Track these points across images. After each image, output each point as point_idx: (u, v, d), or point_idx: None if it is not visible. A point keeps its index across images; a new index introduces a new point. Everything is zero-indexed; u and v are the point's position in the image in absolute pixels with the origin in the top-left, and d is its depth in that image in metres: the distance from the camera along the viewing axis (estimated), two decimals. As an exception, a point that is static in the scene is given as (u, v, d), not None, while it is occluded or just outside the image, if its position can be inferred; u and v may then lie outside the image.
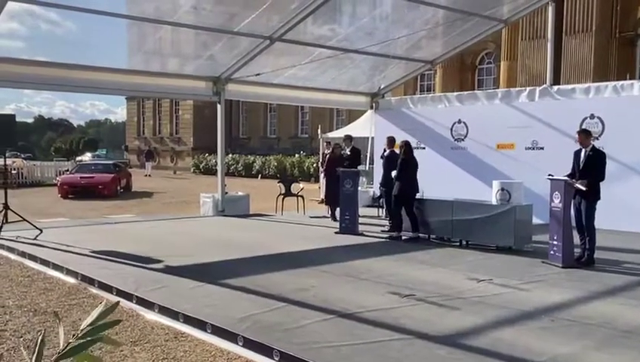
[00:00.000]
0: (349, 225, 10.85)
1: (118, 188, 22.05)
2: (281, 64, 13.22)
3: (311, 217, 13.48)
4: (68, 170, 24.17)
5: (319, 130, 19.65)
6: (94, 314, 1.47)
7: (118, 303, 1.68)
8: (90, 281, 6.94)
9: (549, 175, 8.15)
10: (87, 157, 53.39)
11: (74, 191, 20.41)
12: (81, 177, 21.40)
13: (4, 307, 6.00)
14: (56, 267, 7.75)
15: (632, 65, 21.51)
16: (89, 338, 1.45)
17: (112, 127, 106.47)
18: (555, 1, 13.34)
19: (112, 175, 22.09)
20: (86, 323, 1.46)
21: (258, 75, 12.93)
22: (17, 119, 11.08)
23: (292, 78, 14.12)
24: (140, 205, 18.20)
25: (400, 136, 14.90)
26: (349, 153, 12.69)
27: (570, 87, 12.99)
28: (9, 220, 10.23)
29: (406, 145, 10.32)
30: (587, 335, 4.96)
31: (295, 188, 14.73)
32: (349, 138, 13.19)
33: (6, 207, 10.21)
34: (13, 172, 25.48)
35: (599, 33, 21.62)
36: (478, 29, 13.85)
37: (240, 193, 14.88)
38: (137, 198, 20.61)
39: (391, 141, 11.34)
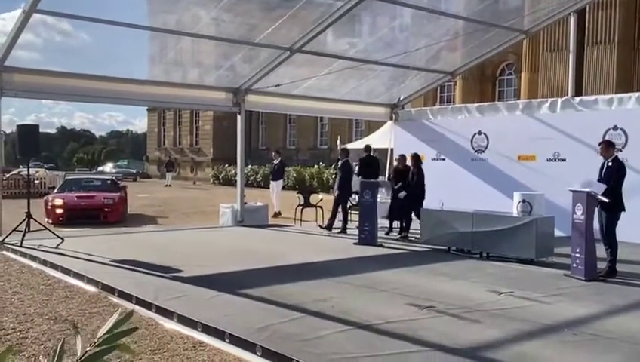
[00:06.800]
0: (367, 237, 10.81)
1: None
2: (301, 75, 13.27)
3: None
4: (53, 187, 19.02)
5: (338, 141, 19.66)
6: (110, 322, 1.49)
7: (132, 312, 1.71)
8: (111, 290, 6.98)
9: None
10: (108, 167, 54.21)
11: (71, 216, 14.71)
12: (78, 196, 15.68)
13: (25, 314, 6.05)
14: (76, 275, 7.81)
15: (656, 76, 21.22)
16: (105, 347, 1.47)
17: (133, 138, 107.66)
18: (577, 12, 13.24)
19: (118, 194, 16.34)
20: (102, 331, 1.48)
21: (278, 85, 13.00)
22: (40, 130, 11.19)
23: (311, 89, 14.16)
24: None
25: (419, 148, 14.96)
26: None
27: (592, 98, 12.82)
28: (31, 229, 10.36)
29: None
30: (611, 350, 4.86)
31: (314, 199, 14.71)
32: (368, 148, 13.14)
33: (29, 215, 10.33)
34: (36, 181, 25.89)
35: (622, 44, 21.38)
36: (499, 40, 13.78)
37: (259, 203, 14.90)
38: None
39: (345, 152, 13.25)
